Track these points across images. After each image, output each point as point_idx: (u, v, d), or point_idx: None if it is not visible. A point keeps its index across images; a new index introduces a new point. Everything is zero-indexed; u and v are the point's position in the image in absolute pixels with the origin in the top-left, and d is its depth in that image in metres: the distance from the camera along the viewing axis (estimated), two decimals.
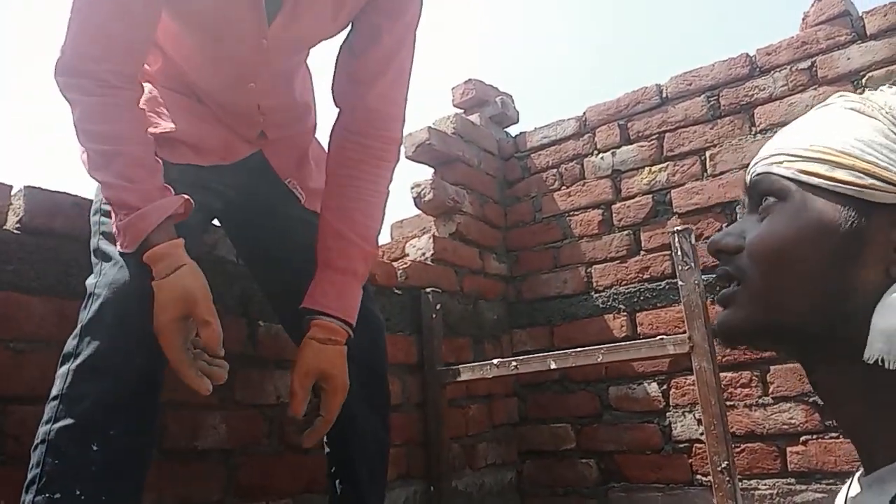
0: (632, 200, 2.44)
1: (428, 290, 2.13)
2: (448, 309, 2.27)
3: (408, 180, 2.51)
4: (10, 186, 1.25)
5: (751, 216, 0.60)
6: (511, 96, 2.93)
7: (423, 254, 2.32)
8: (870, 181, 0.51)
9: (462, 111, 2.76)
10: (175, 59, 1.25)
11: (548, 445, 2.44)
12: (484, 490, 2.27)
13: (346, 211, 1.23)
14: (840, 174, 0.53)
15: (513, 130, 2.87)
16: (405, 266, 2.16)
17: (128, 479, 0.98)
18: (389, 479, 1.88)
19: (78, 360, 0.97)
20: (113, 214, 1.03)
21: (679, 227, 1.68)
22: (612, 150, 2.52)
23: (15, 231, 1.23)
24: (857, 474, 0.58)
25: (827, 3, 2.14)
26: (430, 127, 2.43)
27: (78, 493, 0.92)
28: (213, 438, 1.47)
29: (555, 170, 2.65)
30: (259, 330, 1.63)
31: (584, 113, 2.62)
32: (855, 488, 0.57)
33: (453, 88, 2.84)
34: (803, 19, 2.21)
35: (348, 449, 1.35)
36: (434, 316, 2.11)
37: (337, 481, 1.35)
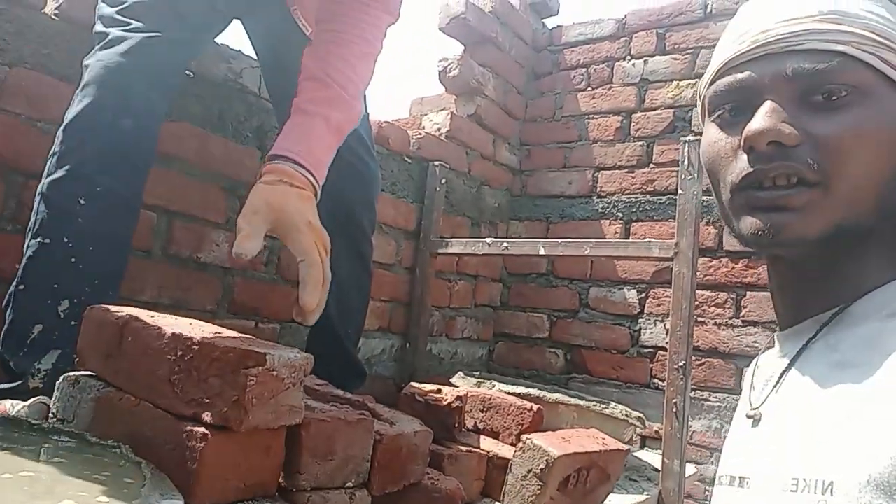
0: (653, 112, 2.45)
1: (436, 162, 2.18)
2: (453, 186, 2.33)
3: (434, 57, 2.50)
4: None
5: (794, 105, 0.54)
6: None
7: (439, 129, 2.35)
8: None
9: None
10: None
11: (522, 332, 2.58)
12: (456, 358, 2.42)
13: (322, 53, 1.12)
14: None
15: (550, 23, 2.83)
16: (419, 136, 2.20)
17: (112, 235, 1.09)
18: (371, 329, 2.02)
19: (68, 120, 1.07)
20: None
21: (691, 138, 1.72)
22: (644, 59, 2.50)
23: (53, 17, 1.27)
24: (776, 335, 0.65)
25: None
26: (468, 0, 2.39)
27: (66, 240, 1.03)
28: (215, 255, 1.57)
29: (584, 69, 2.64)
30: None
31: (625, 16, 2.57)
32: (774, 344, 0.65)
33: None
34: None
35: None
36: (438, 189, 2.17)
37: None
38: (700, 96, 0.64)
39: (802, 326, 0.59)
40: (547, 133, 2.69)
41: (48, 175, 1.05)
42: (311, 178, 1.03)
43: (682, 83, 2.40)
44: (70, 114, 1.08)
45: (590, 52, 2.64)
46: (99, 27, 1.17)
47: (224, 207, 1.59)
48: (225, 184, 1.58)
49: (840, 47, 0.52)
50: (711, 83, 0.60)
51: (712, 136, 0.59)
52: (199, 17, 1.24)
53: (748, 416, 0.60)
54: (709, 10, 2.39)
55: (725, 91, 0.58)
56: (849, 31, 0.53)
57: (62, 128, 1.07)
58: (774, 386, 0.59)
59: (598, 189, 2.52)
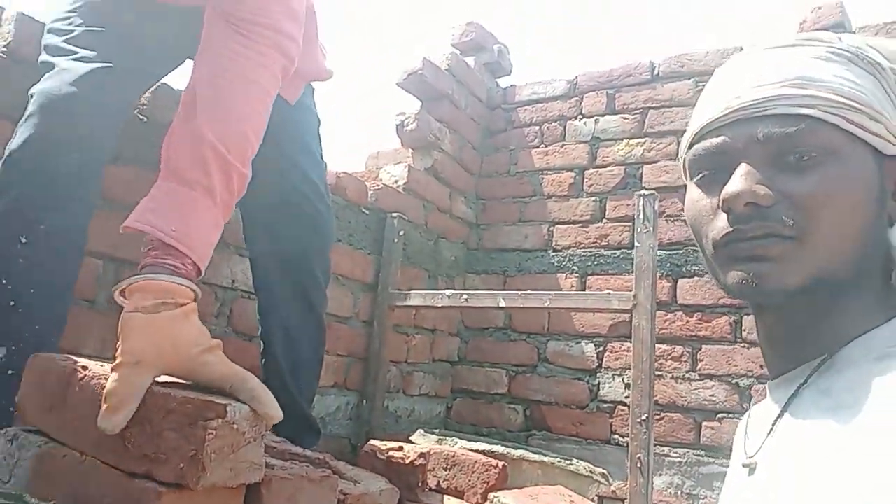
0: (605, 169, 2.51)
1: (394, 214, 2.17)
2: (410, 239, 2.32)
3: (390, 112, 2.52)
4: (3, 8, 1.23)
5: (768, 167, 0.56)
6: (508, 48, 2.95)
7: (396, 181, 2.35)
8: (890, 135, 0.56)
9: (458, 52, 2.77)
10: None
11: (480, 387, 2.53)
12: (413, 416, 2.35)
13: (199, 99, 0.87)
14: (874, 127, 0.55)
15: (503, 82, 2.90)
16: (377, 188, 2.19)
17: (55, 277, 1.01)
18: (326, 386, 1.95)
19: (9, 152, 1.01)
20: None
21: (646, 192, 1.75)
22: (595, 118, 2.57)
23: (0, 55, 1.22)
24: (768, 384, 0.65)
25: (825, 13, 2.22)
26: (424, 58, 2.44)
27: (4, 282, 0.95)
28: None
29: (537, 127, 2.70)
30: None
31: (576, 77, 2.66)
32: (767, 394, 0.64)
33: (453, 28, 2.84)
34: (800, 25, 2.28)
35: (269, 336, 1.40)
36: (395, 240, 2.15)
37: (262, 362, 1.41)
38: (681, 158, 0.66)
39: (793, 374, 0.59)
40: (502, 188, 2.72)
41: None
42: (192, 286, 0.79)
43: (632, 141, 2.48)
44: (12, 145, 1.02)
45: (542, 110, 2.71)
46: (45, 57, 1.12)
47: None
48: None
49: (806, 111, 0.55)
50: (690, 146, 0.63)
51: (694, 196, 0.62)
52: (151, 51, 1.20)
53: (744, 466, 0.59)
54: (656, 72, 2.49)
55: (703, 155, 0.60)
56: (815, 96, 0.55)
57: (2, 161, 1.01)
58: (768, 433, 0.58)
59: (554, 243, 2.54)
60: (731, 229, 0.57)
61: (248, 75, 0.92)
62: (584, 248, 2.47)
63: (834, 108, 0.55)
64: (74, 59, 1.09)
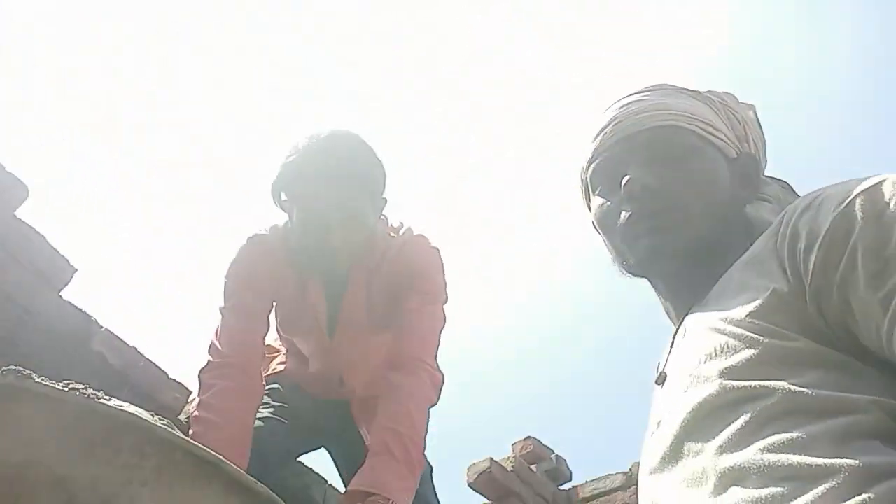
0: None
1: None
2: None
3: None
4: (191, 392, 1.74)
5: (651, 164, 0.73)
6: (565, 460, 3.27)
7: None
8: (728, 141, 0.78)
9: (523, 460, 3.11)
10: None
11: None
12: None
13: (378, 408, 1.41)
14: (719, 134, 0.77)
15: (566, 485, 3.15)
16: None
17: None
18: None
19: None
20: None
21: None
22: None
23: (185, 422, 1.68)
24: None
25: None
26: (491, 458, 2.79)
27: None
28: None
29: None
30: None
31: (630, 468, 2.92)
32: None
33: (513, 444, 3.24)
34: None
35: None
36: None
37: None
38: (582, 181, 0.84)
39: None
40: None
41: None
42: None
43: None
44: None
45: (606, 502, 2.89)
46: None
47: None
48: None
49: (671, 122, 0.75)
50: (589, 166, 0.80)
51: (599, 202, 0.79)
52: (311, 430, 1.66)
53: (657, 383, 0.71)
54: None
55: (601, 168, 0.78)
56: (673, 112, 0.76)
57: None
58: (671, 348, 0.73)
59: None
60: (631, 211, 0.73)
61: (411, 390, 1.41)
62: None
63: (688, 120, 0.75)
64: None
